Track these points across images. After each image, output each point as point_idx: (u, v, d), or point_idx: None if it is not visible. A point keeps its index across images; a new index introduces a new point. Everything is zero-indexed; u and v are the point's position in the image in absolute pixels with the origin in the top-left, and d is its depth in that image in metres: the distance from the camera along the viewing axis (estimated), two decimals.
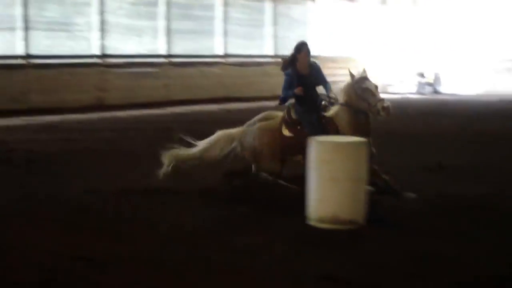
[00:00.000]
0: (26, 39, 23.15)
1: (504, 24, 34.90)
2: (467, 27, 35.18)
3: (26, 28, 23.13)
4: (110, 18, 24.86)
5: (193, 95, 24.80)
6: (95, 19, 24.59)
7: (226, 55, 27.41)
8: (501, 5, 35.20)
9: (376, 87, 10.16)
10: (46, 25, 23.63)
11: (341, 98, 10.35)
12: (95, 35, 24.65)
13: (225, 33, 27.54)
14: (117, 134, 16.93)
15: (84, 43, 24.53)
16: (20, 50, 23.22)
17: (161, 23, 26.15)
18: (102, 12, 24.64)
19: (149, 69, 25.13)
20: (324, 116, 10.33)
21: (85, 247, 7.64)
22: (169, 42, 26.09)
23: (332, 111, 10.33)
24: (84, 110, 22.16)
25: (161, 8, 26.36)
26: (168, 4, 26.48)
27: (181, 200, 9.97)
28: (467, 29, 35.17)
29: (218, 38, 27.63)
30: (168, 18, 26.25)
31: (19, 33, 23.12)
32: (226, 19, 27.82)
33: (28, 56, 23.29)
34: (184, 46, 26.51)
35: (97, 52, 24.69)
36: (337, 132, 10.03)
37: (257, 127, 10.83)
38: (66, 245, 7.72)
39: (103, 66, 24.63)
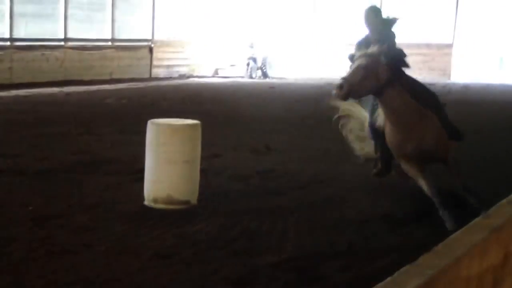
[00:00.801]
0: None
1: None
2: (302, 10, 35.09)
3: None
4: None
5: (35, 78, 24.20)
6: None
7: (66, 39, 26.86)
8: None
9: (358, 66, 7.94)
10: None
11: None
12: None
13: (66, 17, 26.96)
14: None
15: None
16: None
17: (6, 6, 25.37)
18: None
19: None
20: None
21: None
22: (12, 26, 25.33)
23: None
24: None
25: None
26: None
27: (25, 181, 9.74)
28: (302, 13, 35.07)
29: (60, 22, 27.03)
30: (12, 1, 25.48)
31: None
32: (67, 2, 27.23)
33: None
34: (28, 30, 25.82)
35: None
36: None
37: None
38: None
39: None
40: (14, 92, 20.95)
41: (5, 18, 24.93)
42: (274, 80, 29.41)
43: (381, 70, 7.87)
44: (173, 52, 30.85)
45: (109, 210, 8.41)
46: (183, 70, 30.69)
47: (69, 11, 26.98)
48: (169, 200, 8.41)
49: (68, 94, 21.50)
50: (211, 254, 6.93)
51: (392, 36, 8.67)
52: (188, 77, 30.00)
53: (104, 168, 10.67)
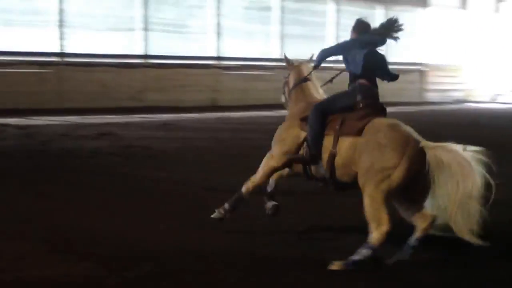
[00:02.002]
0: (145, 39, 23.17)
1: None
2: None
3: (145, 29, 23.14)
4: (224, 21, 24.66)
5: None
6: (210, 22, 24.39)
7: (337, 60, 26.61)
8: None
9: None
10: (163, 26, 23.62)
11: None
12: (210, 37, 24.44)
13: (337, 39, 26.83)
14: (230, 134, 16.67)
15: (199, 45, 24.40)
16: (139, 50, 23.24)
17: (274, 28, 25.76)
18: (217, 16, 24.43)
19: (261, 72, 24.73)
20: None
21: (205, 243, 7.20)
22: (281, 46, 25.64)
23: None
24: (199, 110, 22.00)
25: (275, 13, 25.97)
26: (282, 9, 26.10)
27: (294, 201, 9.33)
28: None
29: (329, 44, 26.93)
30: (281, 23, 25.81)
31: (138, 34, 23.14)
32: (337, 25, 27.22)
33: (147, 56, 23.30)
34: (296, 51, 25.96)
35: (212, 54, 24.46)
36: None
37: None
38: (185, 241, 7.26)
39: (218, 68, 24.40)
40: (280, 112, 20.86)
41: (273, 39, 25.24)
42: None
43: (290, 78, 8.50)
44: (447, 76, 29.90)
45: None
46: (458, 95, 29.62)
47: (339, 33, 26.90)
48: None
49: None
50: None
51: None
52: (463, 102, 28.86)
53: None
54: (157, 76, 23.30)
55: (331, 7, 27.91)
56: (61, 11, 21.96)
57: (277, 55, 25.42)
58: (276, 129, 7.89)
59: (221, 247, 7.05)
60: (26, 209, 8.45)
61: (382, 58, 8.06)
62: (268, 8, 26.01)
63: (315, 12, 27.40)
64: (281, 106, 8.96)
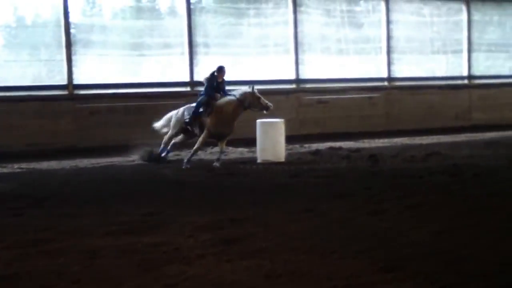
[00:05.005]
0: (469, 61, 22.76)
1: None
2: None
3: (469, 51, 22.74)
4: None
5: None
6: None
7: None
8: None
9: None
10: (486, 47, 23.06)
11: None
12: None
13: None
14: None
15: None
16: (464, 71, 22.87)
17: None
18: None
19: None
20: None
21: None
22: None
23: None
24: None
25: None
26: None
27: None
28: None
29: None
30: None
31: (463, 55, 22.78)
32: None
33: (471, 77, 22.87)
34: None
35: None
36: None
37: None
38: None
39: None
40: None
41: None
42: None
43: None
44: None
45: None
46: None
47: None
48: None
49: None
50: None
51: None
52: None
53: None
54: (481, 96, 22.80)
55: None
56: (389, 38, 22.11)
57: None
58: None
59: None
60: (359, 228, 8.41)
61: None
62: None
63: None
64: None
